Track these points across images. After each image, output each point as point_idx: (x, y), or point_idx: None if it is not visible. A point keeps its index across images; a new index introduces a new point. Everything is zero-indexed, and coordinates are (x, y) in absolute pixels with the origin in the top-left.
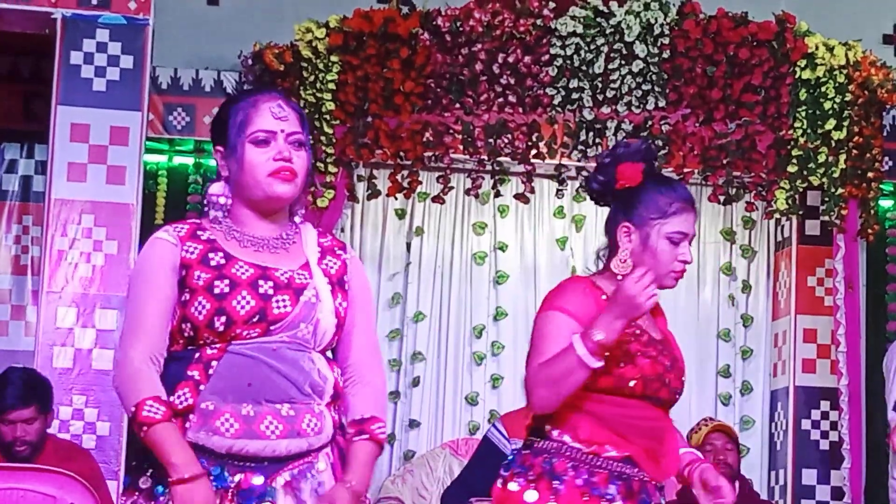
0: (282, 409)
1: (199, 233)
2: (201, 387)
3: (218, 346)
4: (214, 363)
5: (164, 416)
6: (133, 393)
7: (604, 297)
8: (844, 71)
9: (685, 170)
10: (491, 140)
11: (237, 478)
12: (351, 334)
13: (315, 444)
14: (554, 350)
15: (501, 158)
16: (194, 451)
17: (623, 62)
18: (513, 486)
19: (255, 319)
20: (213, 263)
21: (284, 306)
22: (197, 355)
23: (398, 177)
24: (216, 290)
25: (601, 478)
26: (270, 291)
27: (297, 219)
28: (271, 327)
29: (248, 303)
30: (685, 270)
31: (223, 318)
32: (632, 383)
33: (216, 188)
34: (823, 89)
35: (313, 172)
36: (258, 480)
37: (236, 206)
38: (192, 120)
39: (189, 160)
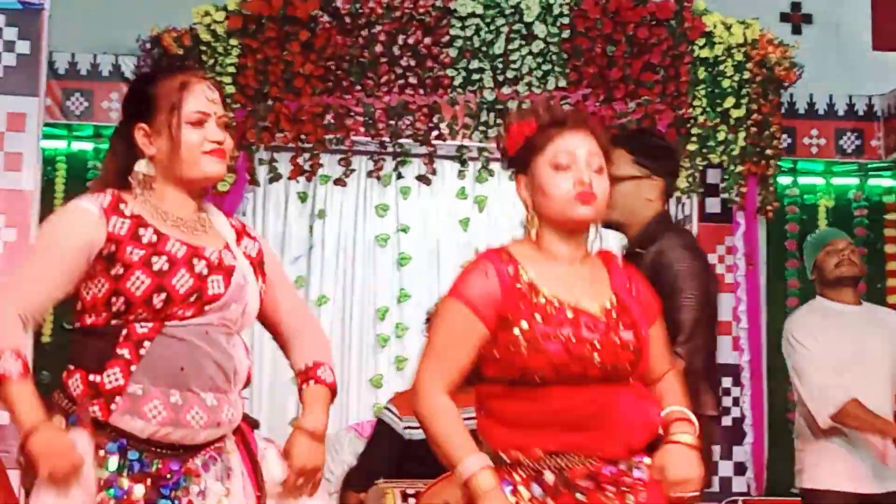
0: (207, 398)
1: (121, 206)
2: (132, 367)
3: (150, 324)
4: (147, 343)
5: (19, 375)
6: None
7: (510, 268)
8: (742, 49)
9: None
10: (392, 122)
11: (155, 464)
12: (277, 300)
13: (227, 431)
14: (448, 347)
15: (403, 140)
16: (114, 434)
17: (523, 43)
18: None
19: (192, 299)
20: (144, 240)
21: (218, 287)
22: (125, 332)
23: (299, 160)
24: (155, 266)
25: (523, 480)
26: (205, 271)
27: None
28: (206, 307)
29: (186, 281)
30: (594, 195)
31: (163, 295)
32: (537, 377)
33: (142, 166)
34: (722, 68)
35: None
36: (174, 466)
37: (160, 184)
38: (90, 105)
39: (88, 145)
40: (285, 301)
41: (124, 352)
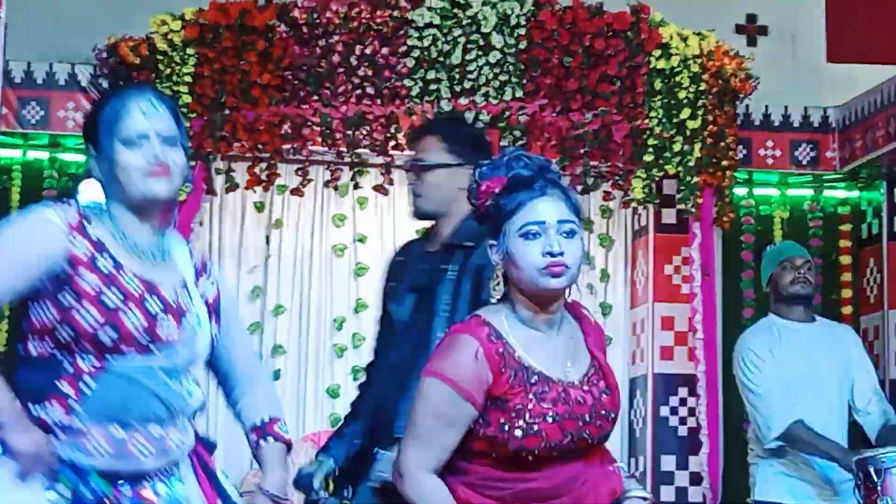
0: (152, 430)
1: (86, 226)
2: (74, 406)
3: (93, 359)
4: (89, 380)
5: None
6: None
7: (499, 347)
8: (698, 60)
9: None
10: (349, 132)
11: (104, 489)
12: (228, 347)
13: (180, 456)
14: (435, 430)
15: (360, 150)
16: (60, 464)
17: (480, 53)
18: None
19: (140, 338)
20: (103, 269)
21: (169, 329)
22: (67, 365)
23: (256, 169)
24: (107, 302)
25: None
26: (158, 311)
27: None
28: (153, 348)
29: (137, 320)
30: (565, 265)
31: (111, 333)
32: (529, 457)
33: (89, 189)
34: (678, 79)
35: (189, 170)
36: (126, 491)
37: (113, 207)
38: (46, 114)
39: (44, 155)
40: (238, 349)
41: (64, 385)
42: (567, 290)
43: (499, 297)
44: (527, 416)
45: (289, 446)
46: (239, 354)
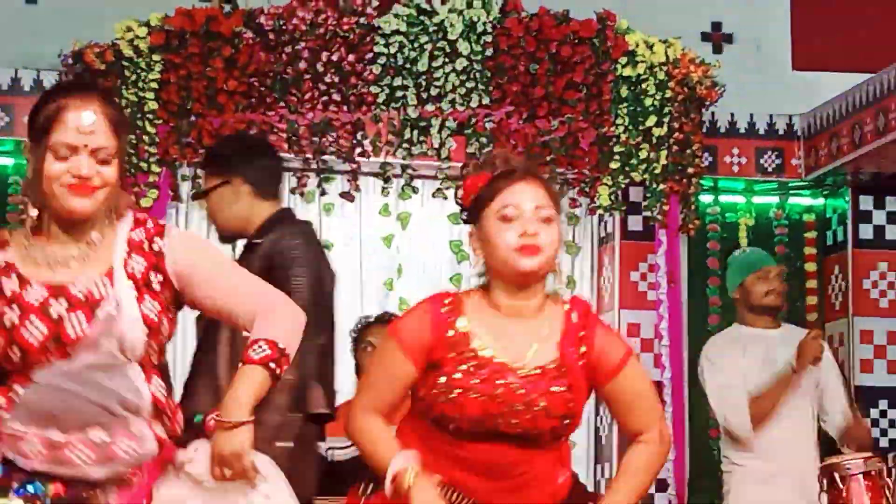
0: (93, 436)
1: None
2: (3, 414)
3: (21, 374)
4: (20, 389)
5: None
6: None
7: (450, 316)
8: (664, 68)
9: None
10: (316, 138)
11: (50, 489)
12: (219, 299)
13: (134, 463)
14: (379, 381)
15: (326, 157)
16: (3, 465)
17: (447, 60)
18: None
19: (50, 347)
20: (6, 290)
21: (79, 326)
22: (3, 378)
23: None
24: (6, 322)
25: None
26: (63, 312)
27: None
28: (69, 350)
29: (38, 330)
30: (539, 247)
31: (16, 351)
32: (451, 426)
33: (16, 197)
34: (644, 86)
35: (123, 178)
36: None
37: (43, 214)
38: (11, 120)
39: (9, 161)
40: (229, 297)
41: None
42: (554, 278)
43: (479, 277)
44: (454, 386)
45: (264, 365)
46: (230, 298)
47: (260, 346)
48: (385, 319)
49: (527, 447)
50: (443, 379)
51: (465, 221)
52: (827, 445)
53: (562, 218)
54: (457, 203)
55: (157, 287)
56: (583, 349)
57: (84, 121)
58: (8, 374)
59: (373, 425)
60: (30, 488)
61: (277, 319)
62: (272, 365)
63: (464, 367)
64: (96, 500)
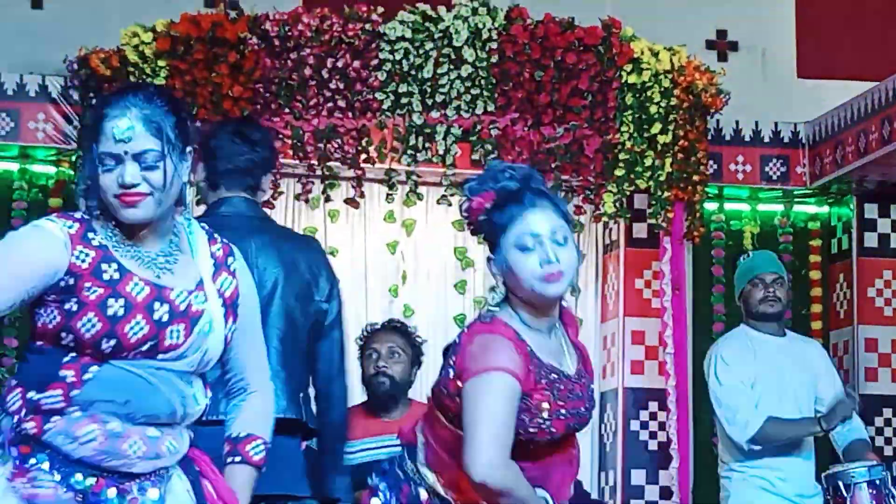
0: (148, 430)
1: (89, 235)
2: (74, 392)
3: (98, 358)
4: (94, 368)
5: None
6: None
7: (526, 347)
8: (669, 75)
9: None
10: (321, 145)
11: (89, 482)
12: (242, 349)
13: (169, 462)
14: (507, 416)
15: (331, 163)
16: (48, 449)
17: (452, 67)
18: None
19: (145, 347)
20: (105, 277)
21: (177, 337)
22: (72, 355)
23: None
24: (109, 311)
25: None
26: (166, 318)
27: (179, 218)
28: (159, 352)
29: (141, 329)
30: (561, 272)
31: (113, 342)
32: (533, 445)
33: (83, 196)
34: (649, 94)
35: (180, 176)
36: (111, 491)
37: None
38: (16, 125)
39: (14, 166)
40: (247, 352)
41: (68, 374)
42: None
43: (495, 303)
44: (545, 413)
45: (259, 469)
46: (249, 356)
47: (258, 447)
48: (391, 326)
49: (571, 442)
50: (534, 409)
51: (480, 238)
52: (830, 454)
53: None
54: (464, 219)
55: (234, 308)
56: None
57: (120, 129)
58: (76, 357)
59: (518, 473)
60: (74, 484)
61: (268, 415)
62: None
63: (551, 391)
64: (131, 494)
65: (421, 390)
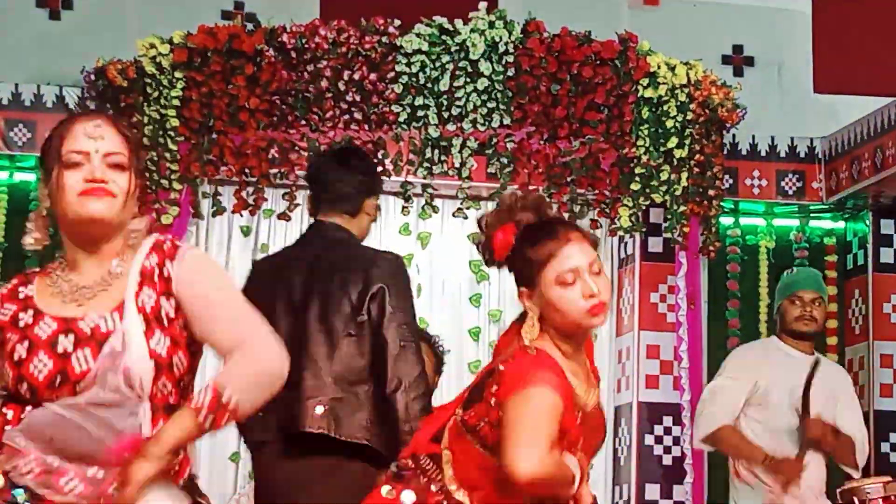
0: (88, 470)
1: (21, 289)
2: (8, 427)
3: (34, 401)
4: (28, 408)
5: None
6: None
7: (568, 389)
8: (686, 90)
9: (530, 187)
10: None
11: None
12: (211, 332)
13: None
14: (548, 428)
15: None
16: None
17: (468, 80)
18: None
19: (56, 382)
20: (21, 324)
21: (85, 362)
22: (15, 399)
23: (243, 193)
24: (15, 356)
25: None
26: (70, 348)
27: (130, 241)
28: (77, 387)
29: (44, 366)
30: (604, 303)
31: (24, 385)
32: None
33: (28, 225)
34: (665, 108)
35: (141, 195)
36: None
37: (67, 244)
38: (33, 136)
39: (31, 176)
40: (215, 330)
41: (9, 412)
42: None
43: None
44: (570, 436)
45: (197, 412)
46: (221, 333)
47: (203, 393)
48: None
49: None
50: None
51: (501, 267)
52: (843, 470)
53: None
54: (486, 255)
55: (170, 317)
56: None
57: (91, 126)
58: (17, 402)
59: (557, 454)
60: (16, 494)
61: (240, 367)
62: (203, 415)
63: (582, 432)
64: None
65: (442, 398)
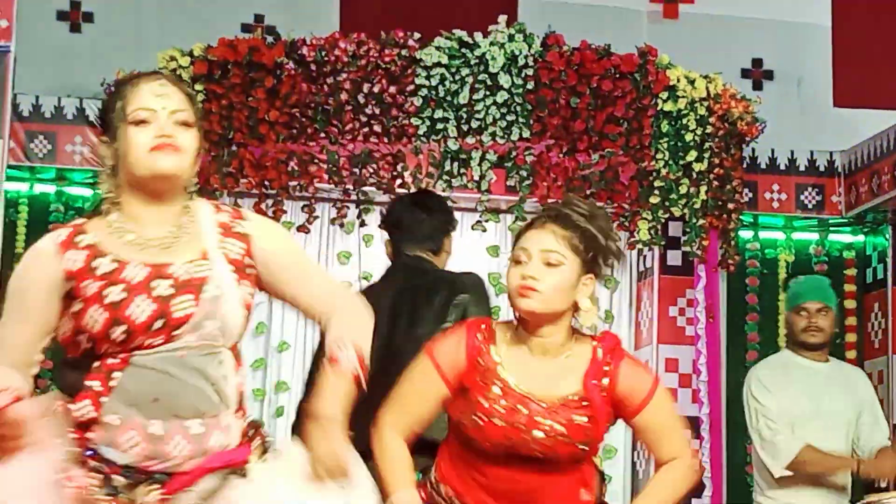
0: (191, 426)
1: (78, 238)
2: (103, 399)
3: (120, 355)
4: (117, 374)
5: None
6: None
7: (483, 344)
8: (705, 103)
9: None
10: (356, 170)
11: (139, 492)
12: (300, 288)
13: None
14: (409, 396)
15: (366, 188)
16: (97, 460)
17: (488, 93)
18: None
19: (156, 326)
20: (99, 271)
21: (186, 307)
22: (97, 364)
23: (263, 206)
24: (108, 299)
25: None
26: (169, 291)
27: (191, 203)
28: (174, 332)
29: (143, 310)
30: (531, 289)
31: (122, 328)
32: (477, 448)
33: (103, 186)
34: (685, 121)
35: (201, 153)
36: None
37: (127, 200)
38: (53, 148)
39: (51, 188)
40: (307, 287)
41: (95, 383)
42: (575, 322)
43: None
44: (479, 410)
45: (347, 376)
46: (310, 294)
47: (349, 358)
48: None
49: (546, 471)
50: (470, 403)
51: None
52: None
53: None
54: None
55: (250, 270)
56: (605, 381)
57: (157, 85)
58: (100, 359)
59: (395, 445)
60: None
61: (359, 323)
62: (360, 377)
63: (490, 393)
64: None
65: None
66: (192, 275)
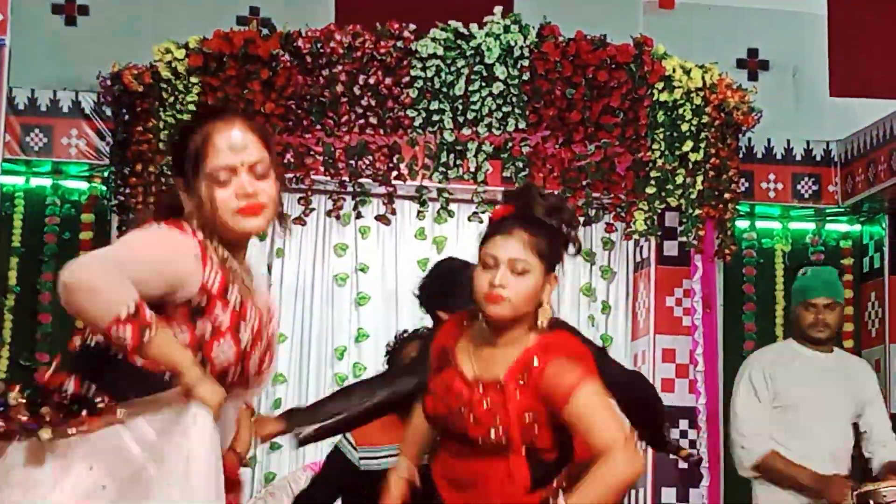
0: None
1: (209, 252)
2: None
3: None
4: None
5: (158, 319)
6: (120, 291)
7: (455, 337)
8: (701, 93)
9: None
10: (352, 161)
11: None
12: None
13: None
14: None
15: (362, 180)
16: None
17: (483, 84)
18: None
19: (254, 374)
20: (232, 300)
21: (268, 362)
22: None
23: None
24: (242, 337)
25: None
26: (264, 346)
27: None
28: (252, 383)
29: (259, 358)
30: (500, 297)
31: (239, 370)
32: (438, 430)
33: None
34: (681, 111)
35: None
36: None
37: (219, 229)
38: (49, 141)
39: (47, 182)
40: None
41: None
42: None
43: None
44: (430, 387)
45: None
46: None
47: None
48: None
49: (476, 457)
50: (432, 385)
51: None
52: (861, 472)
53: (571, 259)
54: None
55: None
56: (526, 375)
57: (234, 138)
58: None
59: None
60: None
61: None
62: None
63: (439, 370)
64: None
65: None
66: (273, 334)
